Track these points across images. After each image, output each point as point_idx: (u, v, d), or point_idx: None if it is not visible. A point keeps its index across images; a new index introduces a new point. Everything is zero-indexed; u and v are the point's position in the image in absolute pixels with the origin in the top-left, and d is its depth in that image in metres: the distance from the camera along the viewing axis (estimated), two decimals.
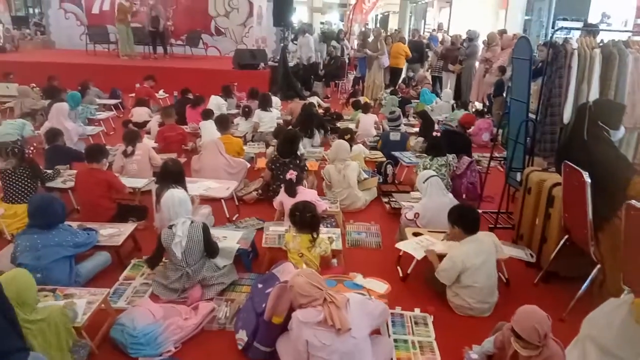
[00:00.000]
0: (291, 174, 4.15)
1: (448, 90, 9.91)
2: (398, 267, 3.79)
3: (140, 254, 3.89)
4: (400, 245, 3.69)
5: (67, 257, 3.26)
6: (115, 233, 3.71)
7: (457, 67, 10.20)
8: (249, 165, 5.56)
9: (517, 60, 4.71)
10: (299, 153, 5.30)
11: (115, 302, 3.18)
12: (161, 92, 9.54)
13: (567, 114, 4.22)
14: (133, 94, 8.99)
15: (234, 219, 4.66)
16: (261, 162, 5.71)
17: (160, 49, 12.44)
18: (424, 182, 4.18)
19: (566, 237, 3.49)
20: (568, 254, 3.50)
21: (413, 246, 3.59)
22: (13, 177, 4.23)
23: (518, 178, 4.55)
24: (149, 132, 6.61)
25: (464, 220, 3.35)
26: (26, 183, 4.27)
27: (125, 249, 3.81)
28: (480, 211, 4.64)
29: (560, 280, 3.64)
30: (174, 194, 3.42)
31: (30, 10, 24.40)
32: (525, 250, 4.05)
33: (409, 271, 3.62)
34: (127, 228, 3.83)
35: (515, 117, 4.68)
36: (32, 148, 4.52)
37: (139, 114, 7.43)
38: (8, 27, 15.24)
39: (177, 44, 13.11)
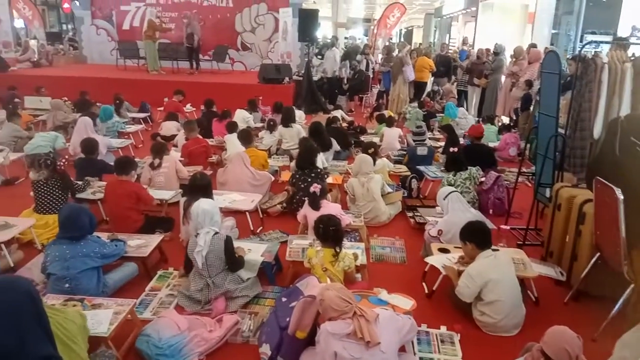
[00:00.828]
0: (315, 187, 4.16)
1: (462, 109, 9.81)
2: (423, 283, 3.74)
3: (167, 265, 3.93)
4: (430, 259, 3.64)
5: (94, 267, 3.32)
6: (143, 244, 3.76)
7: (482, 81, 10.12)
8: (273, 178, 5.61)
9: (546, 74, 4.64)
10: (319, 165, 5.37)
11: (141, 313, 3.22)
12: (188, 106, 9.72)
13: (597, 129, 4.13)
14: (161, 108, 9.19)
15: (258, 231, 4.68)
16: (285, 175, 5.74)
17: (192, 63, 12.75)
18: (444, 199, 4.13)
19: (598, 255, 3.39)
20: (600, 272, 3.40)
21: (442, 261, 3.54)
22: (45, 188, 4.35)
23: (547, 194, 4.46)
24: (176, 145, 6.73)
25: (474, 236, 3.32)
26: (57, 194, 4.38)
27: (152, 260, 3.86)
28: (508, 227, 4.59)
29: (592, 300, 3.53)
30: (200, 204, 3.47)
31: (64, 27, 25.38)
32: (555, 268, 3.95)
33: (434, 287, 3.56)
34: (154, 239, 3.88)
35: (544, 131, 4.60)
36: (63, 160, 4.64)
37: (168, 127, 7.57)
38: (43, 42, 15.82)
39: (205, 59, 13.36)
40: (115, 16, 14.23)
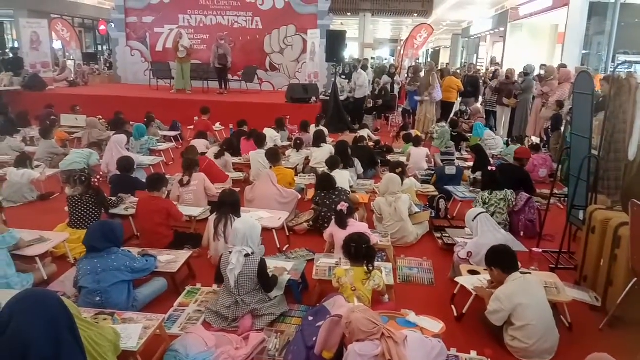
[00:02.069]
0: (342, 206, 4.15)
1: (489, 131, 9.69)
2: (452, 306, 3.66)
3: (195, 281, 3.96)
4: (460, 279, 3.58)
5: (125, 281, 3.37)
6: (172, 260, 3.82)
7: (512, 101, 10.02)
8: (300, 196, 5.63)
9: (578, 95, 4.57)
10: (344, 185, 5.43)
11: (170, 328, 3.24)
12: (218, 124, 9.91)
13: (632, 150, 4.04)
14: (191, 127, 9.40)
15: (284, 249, 4.69)
16: (311, 194, 5.76)
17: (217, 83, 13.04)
18: (473, 220, 4.06)
19: (635, 280, 3.28)
20: (637, 298, 3.28)
21: (473, 282, 3.48)
22: (79, 203, 4.48)
23: (581, 216, 4.34)
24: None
25: (499, 261, 3.26)
26: (91, 210, 4.50)
27: (181, 275, 3.91)
28: (540, 250, 4.49)
29: (629, 326, 3.40)
30: (236, 222, 3.59)
31: (99, 48, 26.35)
32: (589, 293, 3.82)
33: (464, 310, 3.49)
34: (183, 255, 3.93)
35: (577, 152, 4.50)
36: (98, 177, 4.78)
37: (198, 145, 7.70)
38: (79, 63, 16.48)
39: (234, 80, 13.64)
40: (149, 38, 14.71)
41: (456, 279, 3.65)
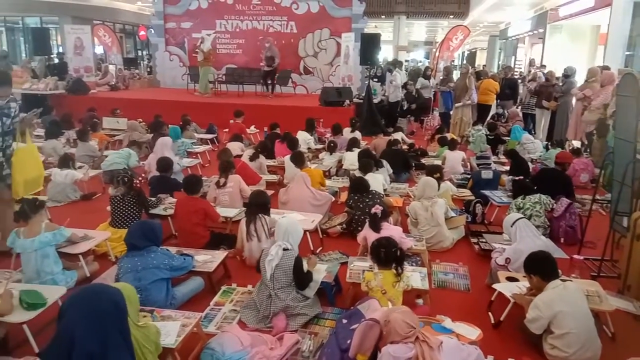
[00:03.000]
0: (376, 209, 4.14)
1: (528, 134, 9.42)
2: (490, 313, 3.59)
3: (230, 281, 4.04)
4: (498, 286, 3.50)
5: (164, 279, 3.46)
6: (209, 259, 3.89)
7: (552, 103, 9.74)
8: (333, 198, 5.65)
9: (622, 98, 4.40)
10: (378, 188, 5.40)
11: (206, 327, 3.31)
12: (252, 127, 10.04)
13: None
14: (227, 129, 9.57)
15: (317, 251, 4.71)
16: (345, 196, 5.77)
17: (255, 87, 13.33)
18: (511, 226, 3.97)
19: None
20: None
21: (512, 289, 3.40)
22: (121, 203, 4.63)
23: (624, 223, 4.18)
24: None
25: (538, 268, 3.17)
26: (132, 210, 4.65)
27: (217, 275, 3.98)
28: (581, 257, 4.34)
29: None
30: (281, 219, 3.71)
31: (139, 53, 27.16)
32: (633, 303, 3.68)
33: (502, 318, 3.41)
34: (219, 255, 4.00)
35: (621, 157, 4.35)
36: (140, 178, 4.93)
37: (233, 148, 7.82)
38: (120, 67, 17.02)
39: (268, 83, 13.80)
40: (186, 43, 15.06)
41: (494, 286, 3.58)
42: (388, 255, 3.30)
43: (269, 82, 13.09)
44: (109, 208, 4.77)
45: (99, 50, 18.65)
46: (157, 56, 15.51)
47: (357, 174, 5.93)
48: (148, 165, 6.53)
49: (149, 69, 18.21)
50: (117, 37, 19.80)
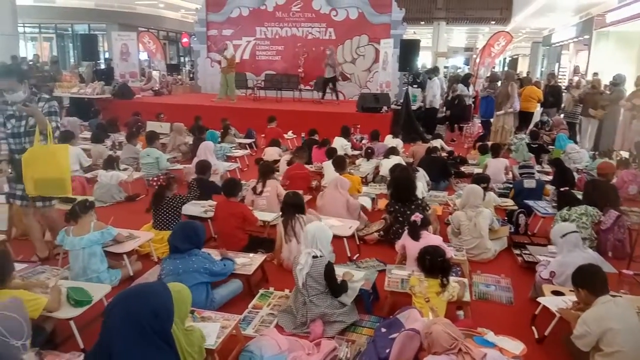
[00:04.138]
0: (416, 217, 4.07)
1: (573, 144, 9.08)
2: (533, 327, 3.46)
3: (268, 285, 4.06)
4: (543, 300, 3.38)
5: (204, 282, 3.51)
6: (247, 262, 3.93)
7: (599, 112, 9.38)
8: (360, 204, 5.62)
9: None
10: (418, 195, 5.27)
11: (244, 329, 3.33)
12: (290, 133, 10.12)
13: None
14: (264, 135, 9.68)
15: (355, 258, 4.68)
16: (382, 203, 5.72)
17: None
18: (561, 237, 3.81)
19: None
20: None
21: (557, 303, 3.27)
22: (164, 206, 4.72)
23: None
24: (278, 170, 7.00)
25: (587, 282, 3.01)
26: (173, 212, 4.74)
27: (255, 278, 4.00)
28: (631, 272, 4.14)
29: None
30: (310, 225, 3.68)
31: (182, 59, 27.90)
32: None
33: (546, 333, 3.29)
34: (258, 259, 4.04)
35: None
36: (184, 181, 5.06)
37: (270, 153, 7.94)
38: (163, 73, 17.51)
39: (306, 89, 13.92)
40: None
41: (539, 299, 3.45)
42: (433, 264, 3.24)
43: (329, 89, 13.11)
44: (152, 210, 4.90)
45: (144, 56, 19.27)
46: (199, 62, 15.88)
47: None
48: (190, 168, 6.65)
49: (190, 75, 18.67)
50: (161, 43, 20.41)
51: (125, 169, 6.72)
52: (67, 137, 7.14)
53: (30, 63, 13.30)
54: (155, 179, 6.09)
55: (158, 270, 3.66)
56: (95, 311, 3.23)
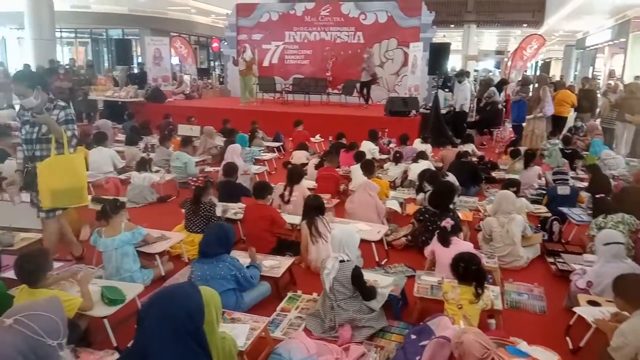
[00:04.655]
0: (447, 222, 4.01)
1: (608, 150, 8.79)
2: (567, 338, 3.37)
3: (295, 288, 4.07)
4: (579, 310, 3.28)
5: (232, 288, 3.50)
6: (276, 265, 3.95)
7: (636, 117, 9.07)
8: (390, 208, 5.60)
9: None
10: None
11: (273, 332, 3.34)
12: (317, 136, 10.14)
13: None
14: (291, 138, 9.74)
15: (383, 263, 4.65)
16: (410, 208, 5.67)
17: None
18: (604, 245, 3.68)
19: None
20: None
21: (593, 314, 3.17)
22: (199, 210, 4.78)
23: None
24: (306, 174, 7.02)
25: (629, 290, 2.90)
26: (207, 217, 4.77)
27: (283, 281, 4.02)
28: None
29: None
30: (335, 230, 3.68)
31: (211, 63, 28.34)
32: None
33: (581, 344, 3.19)
34: (286, 261, 4.06)
35: None
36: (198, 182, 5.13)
37: (298, 156, 7.97)
38: (194, 77, 17.82)
39: (333, 93, 13.94)
40: (257, 54, 15.48)
41: (575, 309, 3.35)
42: (467, 271, 3.19)
43: (365, 92, 13.10)
44: (184, 210, 4.97)
45: (175, 60, 19.65)
46: (229, 67, 16.08)
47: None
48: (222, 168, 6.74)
49: (220, 79, 18.95)
50: (192, 48, 20.78)
51: (157, 171, 6.86)
52: (100, 139, 7.38)
53: (67, 67, 13.69)
54: (195, 180, 6.23)
55: (189, 271, 3.71)
56: (128, 310, 3.31)
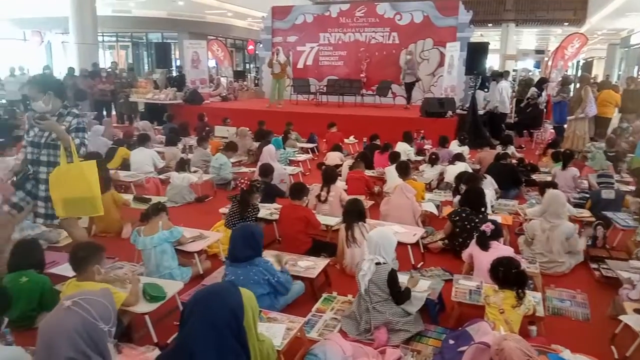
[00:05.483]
0: (487, 226, 3.92)
1: None
2: (612, 347, 3.25)
3: (330, 289, 4.07)
4: (626, 319, 3.16)
5: (265, 293, 3.48)
6: (311, 266, 3.96)
7: None
8: (427, 211, 5.53)
9: None
10: (487, 204, 5.08)
11: (308, 332, 3.35)
12: (351, 138, 10.13)
13: None
14: (325, 139, 9.76)
15: (419, 266, 4.60)
16: (447, 211, 5.58)
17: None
18: None
19: None
20: None
21: None
22: (241, 209, 4.83)
23: None
24: (340, 175, 7.02)
25: None
26: (247, 217, 4.82)
27: (318, 282, 4.03)
28: None
29: None
30: (372, 232, 3.63)
31: (247, 66, 28.73)
32: None
33: (628, 354, 3.07)
34: (321, 262, 4.06)
35: None
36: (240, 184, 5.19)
37: (332, 158, 7.98)
38: (231, 79, 18.10)
39: (368, 94, 13.88)
40: (292, 56, 15.61)
41: (621, 317, 3.22)
42: (507, 276, 3.12)
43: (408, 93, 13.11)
44: (221, 210, 5.04)
45: (212, 63, 20.00)
46: (264, 69, 16.24)
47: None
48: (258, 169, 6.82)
49: (255, 81, 19.20)
50: (229, 51, 21.11)
51: (195, 172, 7.00)
52: (143, 140, 7.59)
53: (109, 70, 14.16)
54: (241, 181, 6.39)
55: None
56: (167, 307, 3.39)
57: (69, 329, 2.13)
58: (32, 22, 22.24)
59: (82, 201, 3.71)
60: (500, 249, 3.85)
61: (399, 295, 3.39)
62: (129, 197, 5.72)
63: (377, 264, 3.42)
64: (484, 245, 3.90)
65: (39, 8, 20.08)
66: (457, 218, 4.84)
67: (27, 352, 2.55)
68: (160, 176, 7.01)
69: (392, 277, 3.39)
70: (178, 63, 20.19)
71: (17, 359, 2.42)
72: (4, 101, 13.35)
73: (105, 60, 21.43)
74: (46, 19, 21.32)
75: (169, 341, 3.22)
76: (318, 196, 5.43)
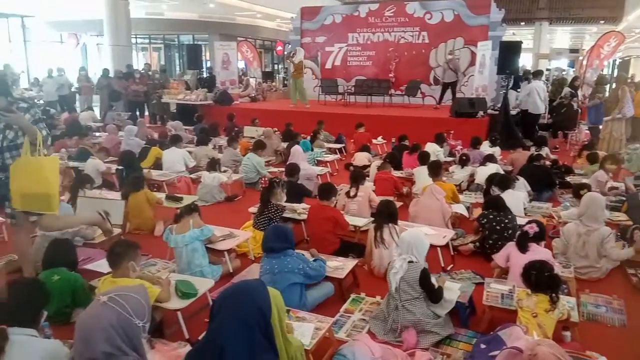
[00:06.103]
0: (531, 227, 3.81)
1: None
2: None
3: (358, 290, 4.06)
4: None
5: (298, 283, 3.58)
6: (339, 266, 3.96)
7: None
8: (457, 213, 5.46)
9: None
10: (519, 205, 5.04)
11: (336, 332, 3.35)
12: (379, 138, 10.08)
13: None
14: (353, 140, 9.73)
15: (448, 269, 4.54)
16: (477, 213, 5.49)
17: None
18: None
19: None
20: None
21: None
22: (267, 210, 4.89)
23: None
24: (368, 176, 7.00)
25: None
26: (274, 219, 4.87)
27: (346, 282, 4.03)
28: None
29: None
30: (404, 233, 3.65)
31: (275, 67, 28.96)
32: None
33: None
34: (350, 263, 4.06)
35: None
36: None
37: (360, 158, 7.97)
38: (259, 80, 18.27)
39: (397, 94, 13.78)
40: (320, 56, 15.64)
41: None
42: (539, 279, 3.06)
43: (441, 93, 13.09)
44: (250, 209, 5.10)
45: (241, 64, 20.24)
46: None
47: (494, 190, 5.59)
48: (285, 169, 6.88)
49: (284, 82, 19.32)
50: (257, 52, 21.33)
51: (225, 171, 7.10)
52: (175, 140, 7.75)
53: (142, 71, 14.48)
54: (264, 180, 6.49)
55: (255, 268, 3.82)
56: (199, 304, 3.45)
57: (104, 324, 2.21)
58: (68, 25, 22.95)
59: (38, 197, 3.54)
60: (538, 252, 3.75)
61: (434, 292, 3.37)
62: (161, 195, 5.85)
63: (410, 262, 3.41)
64: (522, 246, 3.81)
65: (75, 11, 20.74)
66: (485, 220, 4.78)
67: (64, 345, 2.64)
68: (192, 175, 7.14)
69: (425, 275, 3.38)
70: (209, 64, 20.48)
71: (56, 352, 2.51)
72: (41, 102, 13.82)
73: (138, 61, 21.97)
74: (82, 22, 21.97)
75: (200, 337, 3.27)
76: (347, 193, 5.43)
